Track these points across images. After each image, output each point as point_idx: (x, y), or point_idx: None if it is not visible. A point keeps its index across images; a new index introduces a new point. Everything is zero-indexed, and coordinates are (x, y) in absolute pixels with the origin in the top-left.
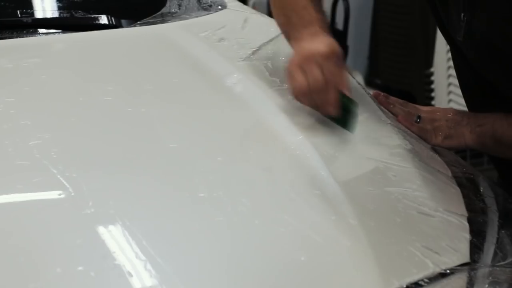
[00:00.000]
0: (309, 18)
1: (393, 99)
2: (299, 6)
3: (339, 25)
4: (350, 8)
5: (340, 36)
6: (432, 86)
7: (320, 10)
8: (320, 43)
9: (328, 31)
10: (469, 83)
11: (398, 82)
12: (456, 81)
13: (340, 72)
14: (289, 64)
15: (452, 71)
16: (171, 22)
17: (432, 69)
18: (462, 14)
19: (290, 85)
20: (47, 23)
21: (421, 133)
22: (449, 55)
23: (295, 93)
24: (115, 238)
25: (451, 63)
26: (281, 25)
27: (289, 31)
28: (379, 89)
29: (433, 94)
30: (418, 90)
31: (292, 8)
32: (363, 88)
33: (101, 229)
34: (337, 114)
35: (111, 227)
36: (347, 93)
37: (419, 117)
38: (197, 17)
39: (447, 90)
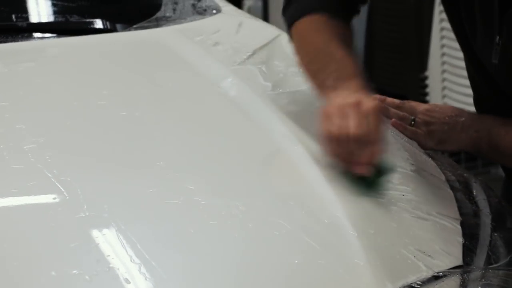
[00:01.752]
0: (350, 71)
1: (389, 100)
2: (340, 55)
3: None
4: None
5: None
6: (427, 89)
7: (356, 61)
8: (365, 96)
9: (368, 87)
10: (487, 98)
11: (393, 85)
12: (450, 84)
13: (383, 130)
14: (327, 107)
15: (447, 75)
16: (166, 26)
17: (426, 73)
18: (498, 37)
19: (325, 127)
20: (42, 27)
21: (414, 137)
22: (444, 58)
23: (329, 136)
24: (109, 242)
25: (445, 66)
26: (314, 73)
27: (325, 80)
28: (374, 93)
29: (428, 98)
30: (413, 94)
31: (328, 56)
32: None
33: (95, 233)
34: (368, 174)
35: (105, 230)
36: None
37: (413, 120)
38: (192, 21)
39: (441, 94)
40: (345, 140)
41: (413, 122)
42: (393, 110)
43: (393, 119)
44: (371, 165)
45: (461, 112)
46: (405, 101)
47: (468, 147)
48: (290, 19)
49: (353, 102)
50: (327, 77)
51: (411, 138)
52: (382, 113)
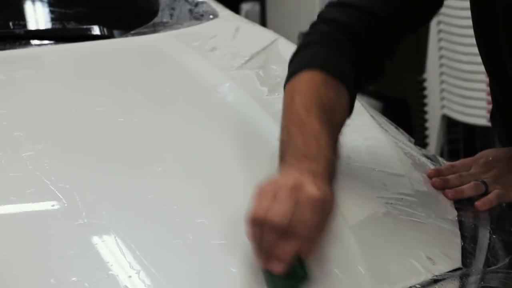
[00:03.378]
0: (316, 153)
1: (443, 172)
2: (311, 131)
3: None
4: None
5: None
6: (425, 92)
7: (333, 147)
8: (314, 185)
9: (332, 177)
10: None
11: (391, 88)
12: (449, 87)
13: (317, 229)
14: (266, 183)
15: (445, 77)
16: (163, 32)
17: (424, 75)
18: None
19: (251, 207)
20: (39, 34)
21: (501, 201)
22: (442, 61)
23: (250, 217)
24: (108, 249)
25: (443, 69)
26: (281, 142)
27: (286, 151)
28: (372, 96)
29: (426, 101)
30: (411, 97)
31: (300, 128)
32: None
33: (94, 240)
34: (280, 272)
35: (104, 237)
36: (308, 258)
37: (484, 183)
38: (189, 26)
39: (440, 96)
40: (265, 227)
41: (487, 187)
42: (466, 192)
43: (478, 203)
44: (285, 264)
45: (506, 149)
46: (453, 166)
47: None
48: (289, 74)
49: (291, 185)
50: (287, 151)
51: (500, 202)
52: (438, 188)
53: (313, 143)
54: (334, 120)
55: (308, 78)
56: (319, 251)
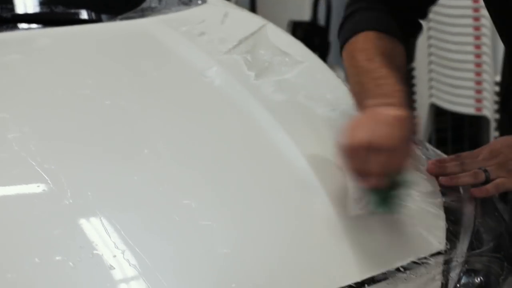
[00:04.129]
0: (388, 89)
1: (446, 160)
2: (379, 74)
3: (321, 21)
4: (332, 4)
5: (322, 32)
6: (414, 81)
7: (399, 81)
8: (396, 109)
9: (407, 106)
10: None
11: None
12: (437, 76)
13: (409, 143)
14: (355, 118)
15: (433, 67)
16: (152, 16)
17: (413, 64)
18: None
19: (349, 136)
20: (27, 18)
21: (499, 190)
22: (431, 50)
23: (351, 145)
24: (93, 229)
25: (432, 58)
26: (355, 94)
27: (363, 99)
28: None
29: (414, 89)
30: None
31: (368, 75)
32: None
33: (79, 220)
34: (379, 186)
35: (89, 217)
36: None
37: (485, 171)
38: (177, 11)
39: (428, 85)
40: (366, 150)
41: (488, 175)
42: (462, 179)
43: (474, 190)
44: (385, 176)
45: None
46: (460, 157)
47: None
48: (342, 41)
49: (382, 115)
50: (363, 98)
51: (498, 191)
52: (437, 174)
53: (384, 82)
54: (396, 63)
55: (363, 38)
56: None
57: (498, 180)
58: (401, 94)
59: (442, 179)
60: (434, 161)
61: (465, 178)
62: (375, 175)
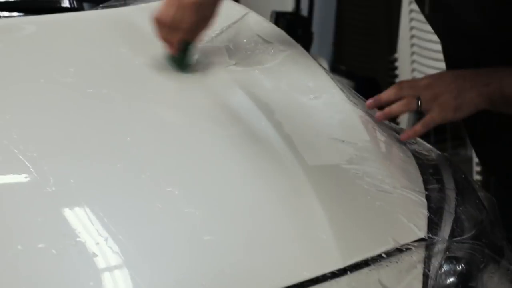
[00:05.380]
0: None
1: (384, 96)
2: None
3: (304, 11)
4: None
5: (305, 22)
6: (396, 71)
7: None
8: None
9: None
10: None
11: (363, 68)
12: (419, 67)
13: (195, 21)
14: None
15: (416, 57)
16: (134, 5)
17: (396, 55)
18: None
19: (158, 12)
20: (8, 6)
21: (428, 127)
22: (413, 41)
23: (156, 19)
24: (76, 216)
25: (415, 49)
26: None
27: None
28: (343, 75)
29: (397, 80)
30: (382, 76)
31: None
32: (328, 73)
33: (62, 207)
34: (173, 54)
35: (72, 205)
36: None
37: (419, 99)
38: (159, 0)
39: (411, 76)
40: (163, 26)
41: (420, 103)
42: (394, 107)
43: (403, 134)
44: (178, 46)
45: (461, 72)
46: (400, 83)
47: (483, 104)
48: None
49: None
50: None
51: (427, 129)
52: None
53: None
54: None
55: None
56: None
57: (426, 118)
58: None
59: (376, 115)
60: (374, 97)
61: (397, 108)
62: (170, 44)
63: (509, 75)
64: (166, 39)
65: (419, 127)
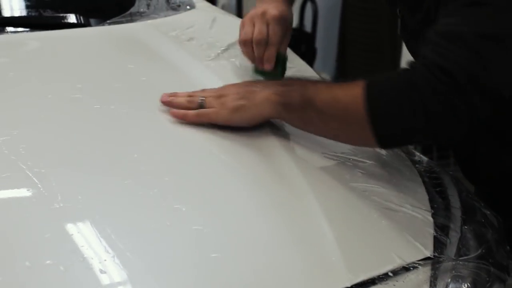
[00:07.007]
0: None
1: (178, 94)
2: None
3: (308, 27)
4: (319, 10)
5: (308, 38)
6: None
7: None
8: (274, 8)
9: (290, 3)
10: None
11: None
12: None
13: (283, 34)
14: (245, 17)
15: None
16: (140, 21)
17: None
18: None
19: (240, 34)
20: (15, 21)
21: (200, 118)
22: None
23: (240, 40)
24: (84, 232)
25: None
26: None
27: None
28: None
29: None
30: None
31: None
32: None
33: (70, 224)
34: (268, 69)
35: (80, 221)
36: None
37: (202, 98)
38: (165, 16)
39: None
40: (249, 43)
41: (203, 102)
42: (179, 99)
43: (173, 111)
44: (270, 62)
45: (262, 81)
46: (193, 92)
47: (267, 109)
48: None
49: (260, 13)
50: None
51: (196, 122)
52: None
53: None
54: None
55: None
56: None
57: (202, 110)
58: None
59: (170, 112)
60: (168, 93)
61: (180, 102)
62: (266, 60)
63: (310, 83)
64: (259, 56)
65: (192, 116)
